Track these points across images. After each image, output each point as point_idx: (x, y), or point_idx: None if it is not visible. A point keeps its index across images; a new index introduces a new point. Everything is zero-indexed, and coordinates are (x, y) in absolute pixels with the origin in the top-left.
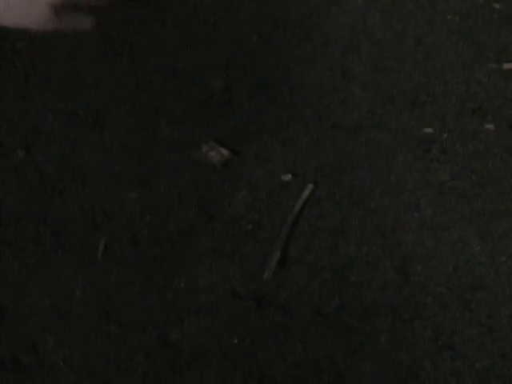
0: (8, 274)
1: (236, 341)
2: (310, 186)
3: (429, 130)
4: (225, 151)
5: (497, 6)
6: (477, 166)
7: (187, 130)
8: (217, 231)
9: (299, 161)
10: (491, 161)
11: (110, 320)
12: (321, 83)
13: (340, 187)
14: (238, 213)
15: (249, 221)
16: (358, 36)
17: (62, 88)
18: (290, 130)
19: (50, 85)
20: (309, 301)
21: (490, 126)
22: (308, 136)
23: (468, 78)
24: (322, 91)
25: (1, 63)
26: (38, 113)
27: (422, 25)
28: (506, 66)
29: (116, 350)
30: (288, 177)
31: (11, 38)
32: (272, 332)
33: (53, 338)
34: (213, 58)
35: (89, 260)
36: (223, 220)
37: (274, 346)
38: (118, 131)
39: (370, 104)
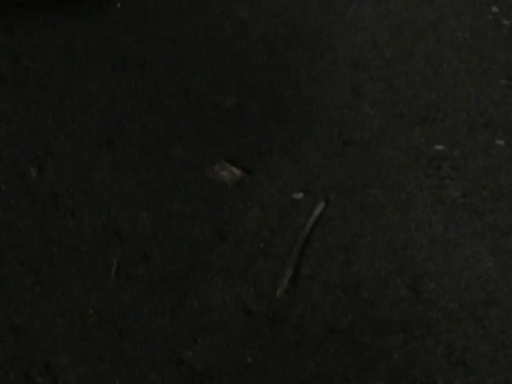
0: (22, 293)
1: (249, 359)
2: (322, 204)
3: (439, 147)
4: (236, 171)
5: (506, 22)
6: (488, 182)
7: (199, 150)
8: (229, 250)
9: (310, 179)
10: (502, 176)
11: (123, 339)
12: (331, 101)
13: (351, 204)
14: (250, 231)
15: (261, 239)
16: (368, 54)
17: (75, 109)
18: (301, 147)
19: (62, 106)
20: (321, 318)
21: (501, 142)
22: (319, 153)
23: (478, 94)
24: (332, 109)
25: (14, 85)
26: (51, 133)
27: (432, 42)
28: None
29: (130, 370)
30: (299, 195)
31: (23, 60)
32: (285, 350)
33: (66, 357)
34: (224, 77)
35: (102, 279)
36: (235, 238)
37: (287, 363)
38: (129, 151)
39: (380, 121)
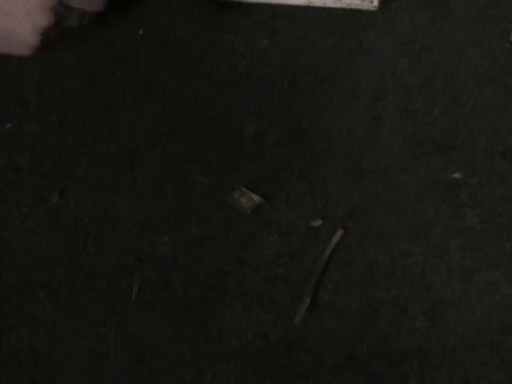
0: (42, 317)
1: None
2: (340, 232)
3: (457, 175)
4: (256, 197)
5: None
6: (505, 209)
7: (219, 176)
8: (247, 276)
9: (329, 206)
10: None
11: (142, 365)
12: (350, 129)
13: (369, 232)
14: (268, 258)
15: (279, 265)
16: (387, 82)
17: (96, 134)
18: (319, 175)
19: (84, 131)
20: (338, 345)
21: None
22: (337, 181)
23: (495, 123)
24: (351, 137)
25: (37, 111)
26: (73, 158)
27: (450, 70)
28: None
29: None
30: (318, 222)
31: (46, 86)
32: (302, 376)
33: (85, 381)
34: (244, 105)
35: (122, 304)
36: (253, 265)
37: None
38: (150, 176)
39: (398, 149)
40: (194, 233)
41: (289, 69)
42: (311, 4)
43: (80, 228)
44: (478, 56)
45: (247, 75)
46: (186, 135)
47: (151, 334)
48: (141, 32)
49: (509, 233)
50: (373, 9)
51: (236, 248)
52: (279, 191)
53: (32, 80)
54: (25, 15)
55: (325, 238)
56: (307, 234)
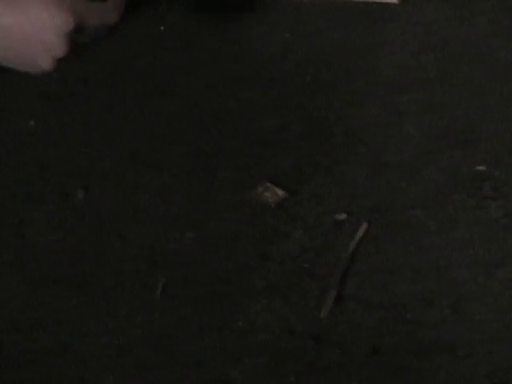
0: (69, 312)
1: (293, 379)
2: (365, 225)
3: (481, 168)
4: (280, 191)
5: None
6: None
7: (243, 171)
8: (273, 270)
9: (354, 199)
10: None
11: (169, 359)
12: (374, 122)
13: (395, 225)
14: (293, 252)
15: (304, 260)
16: (411, 75)
17: (119, 131)
18: (343, 169)
19: (107, 128)
20: (365, 338)
21: None
22: (362, 175)
23: None
24: (375, 130)
25: (61, 107)
26: (96, 155)
27: (474, 62)
28: None
29: None
30: (343, 216)
31: (70, 82)
32: (328, 370)
33: (113, 376)
34: (266, 99)
35: (148, 300)
36: (279, 259)
37: (330, 383)
38: (173, 173)
39: (423, 142)
40: (218, 228)
41: (311, 62)
42: None
43: (105, 224)
44: (502, 48)
45: (270, 69)
46: (209, 130)
47: (178, 328)
48: (162, 28)
49: None
50: (395, 1)
51: (261, 243)
52: (303, 185)
53: (56, 77)
54: (41, 49)
55: (349, 232)
56: (332, 227)
